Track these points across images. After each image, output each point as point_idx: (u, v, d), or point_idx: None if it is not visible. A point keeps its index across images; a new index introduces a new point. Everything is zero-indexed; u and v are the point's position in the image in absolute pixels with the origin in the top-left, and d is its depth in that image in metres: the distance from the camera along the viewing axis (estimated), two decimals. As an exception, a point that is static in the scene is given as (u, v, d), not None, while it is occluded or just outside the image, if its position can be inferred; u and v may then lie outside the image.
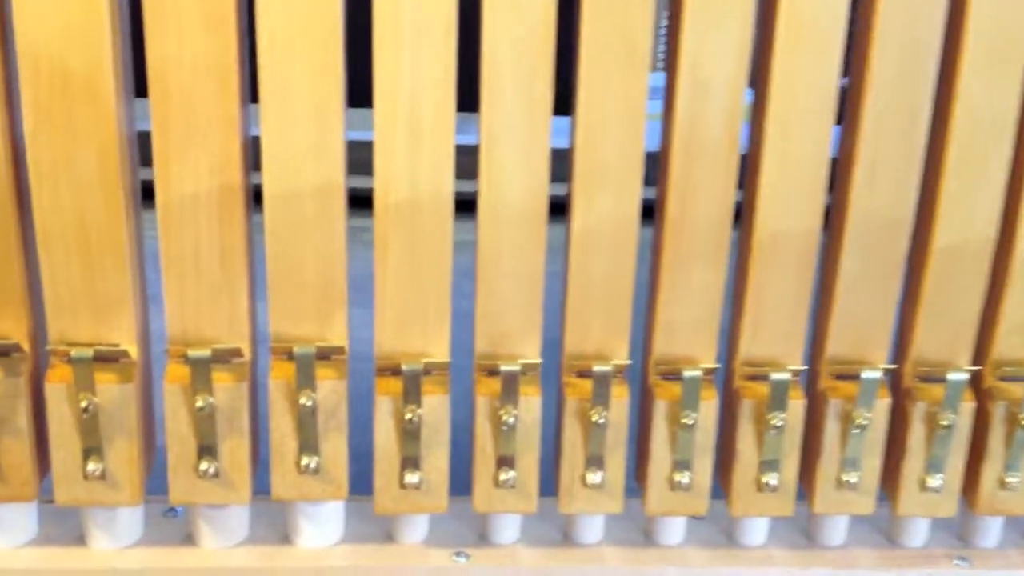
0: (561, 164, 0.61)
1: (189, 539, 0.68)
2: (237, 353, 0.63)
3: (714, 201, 0.62)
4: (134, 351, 0.62)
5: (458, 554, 0.68)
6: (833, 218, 0.64)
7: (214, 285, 0.62)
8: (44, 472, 0.65)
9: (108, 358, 0.62)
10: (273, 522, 0.70)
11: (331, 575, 0.67)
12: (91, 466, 0.62)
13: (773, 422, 0.64)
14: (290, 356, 0.63)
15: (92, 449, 0.62)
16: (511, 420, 0.64)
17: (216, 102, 0.58)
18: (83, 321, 0.62)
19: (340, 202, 0.61)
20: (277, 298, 0.62)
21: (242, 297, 0.62)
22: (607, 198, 0.61)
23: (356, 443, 0.65)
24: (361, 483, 0.68)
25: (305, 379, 0.62)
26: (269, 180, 0.60)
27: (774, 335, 0.65)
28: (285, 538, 0.69)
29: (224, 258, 0.61)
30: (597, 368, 0.63)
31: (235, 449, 0.63)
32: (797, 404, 0.65)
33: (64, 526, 0.68)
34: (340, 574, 0.67)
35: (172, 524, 0.69)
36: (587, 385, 0.65)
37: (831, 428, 0.66)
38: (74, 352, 0.61)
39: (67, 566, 0.66)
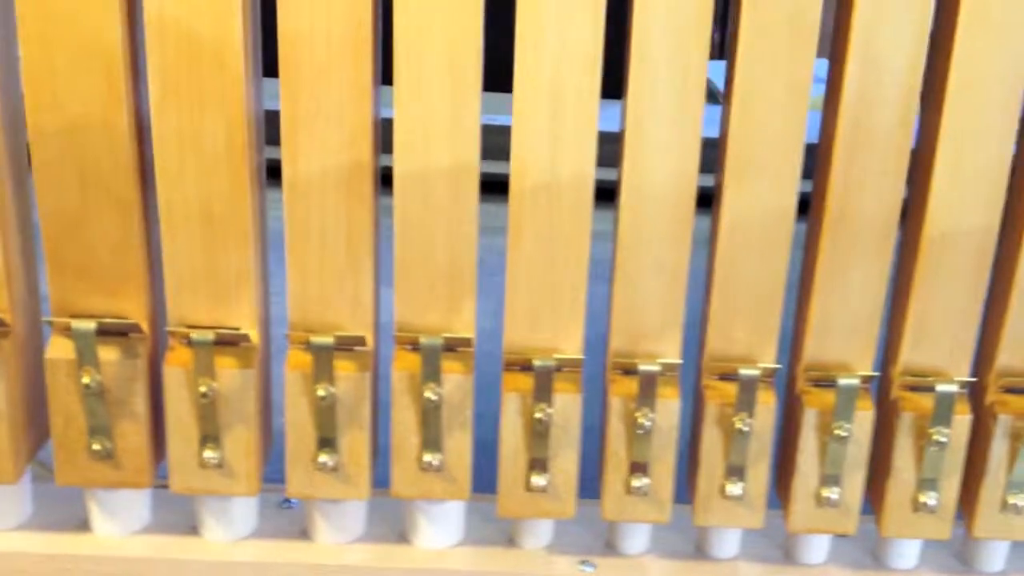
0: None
1: (304, 533, 0.66)
2: (360, 341, 0.60)
3: (881, 195, 0.56)
4: (255, 335, 0.60)
5: (584, 562, 0.64)
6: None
7: (338, 269, 0.59)
8: (160, 458, 0.62)
9: (229, 342, 0.59)
10: (389, 519, 0.67)
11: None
12: (208, 454, 0.60)
13: (936, 438, 0.59)
14: (415, 347, 0.60)
15: (209, 436, 0.60)
16: (647, 423, 0.60)
17: (348, 78, 0.55)
18: (203, 302, 0.59)
19: (473, 185, 0.57)
20: (404, 284, 0.59)
21: (367, 282, 0.59)
22: (761, 189, 0.57)
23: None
24: (478, 481, 0.64)
25: (430, 372, 0.59)
26: (400, 160, 0.56)
27: (940, 342, 0.59)
28: (402, 536, 0.66)
29: (350, 240, 0.58)
30: (743, 372, 0.59)
31: (355, 442, 0.60)
32: (963, 419, 0.59)
33: (177, 514, 0.66)
34: None
35: (287, 516, 0.67)
36: (729, 389, 0.60)
37: (998, 447, 0.60)
38: (194, 335, 0.58)
39: (180, 556, 0.64)
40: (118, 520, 0.64)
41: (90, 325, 0.58)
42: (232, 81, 0.55)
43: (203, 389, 0.59)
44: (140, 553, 0.63)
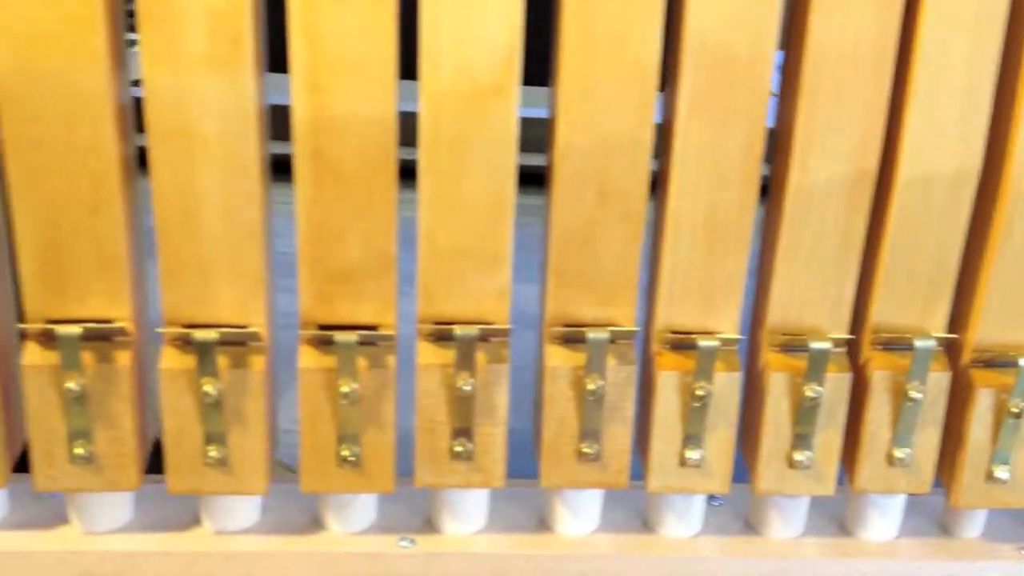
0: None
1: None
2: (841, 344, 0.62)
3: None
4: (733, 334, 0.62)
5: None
6: None
7: (824, 274, 0.61)
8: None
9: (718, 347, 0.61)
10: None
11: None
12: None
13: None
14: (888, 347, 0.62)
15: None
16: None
17: (867, 91, 0.57)
18: (694, 309, 0.61)
19: (971, 191, 0.59)
20: (888, 287, 0.61)
21: (848, 288, 0.61)
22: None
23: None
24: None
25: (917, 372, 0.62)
26: (906, 165, 0.59)
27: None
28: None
29: (841, 246, 0.60)
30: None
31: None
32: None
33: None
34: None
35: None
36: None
37: None
38: (676, 340, 0.61)
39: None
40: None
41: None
42: (759, 97, 0.57)
43: (699, 393, 0.61)
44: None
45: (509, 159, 0.57)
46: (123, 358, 0.59)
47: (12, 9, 0.52)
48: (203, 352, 0.59)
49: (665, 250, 0.60)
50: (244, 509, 0.65)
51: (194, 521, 0.66)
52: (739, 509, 0.70)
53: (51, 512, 0.65)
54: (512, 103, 0.56)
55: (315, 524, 0.66)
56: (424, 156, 0.57)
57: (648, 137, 0.57)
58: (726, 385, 0.61)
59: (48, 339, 0.58)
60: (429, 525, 0.67)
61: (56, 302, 0.58)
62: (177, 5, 0.52)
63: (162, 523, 0.65)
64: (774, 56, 0.56)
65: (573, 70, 0.55)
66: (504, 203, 0.58)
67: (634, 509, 0.69)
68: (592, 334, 0.60)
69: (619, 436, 0.62)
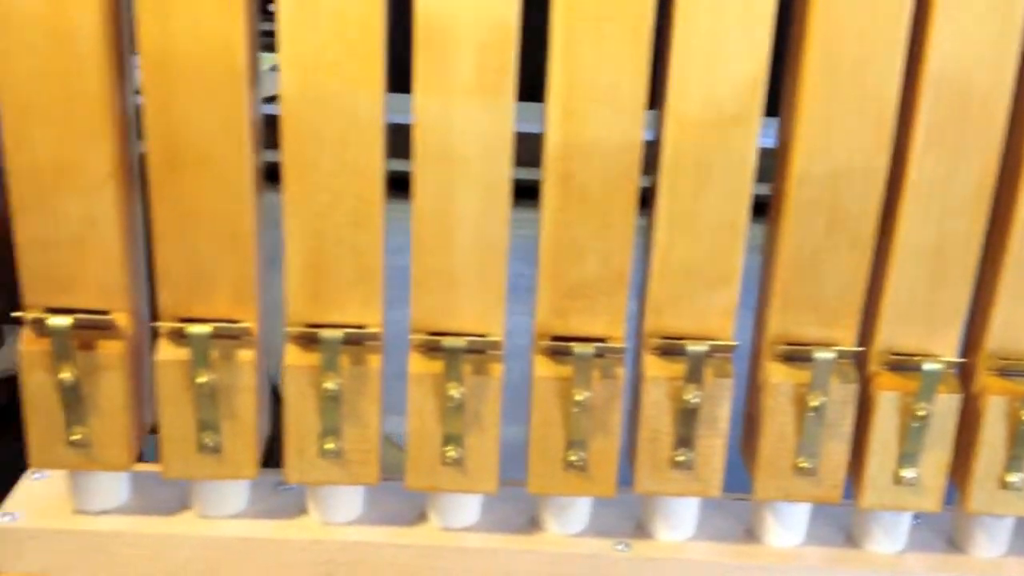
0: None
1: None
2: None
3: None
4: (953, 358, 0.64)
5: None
6: None
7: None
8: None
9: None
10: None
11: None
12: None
13: None
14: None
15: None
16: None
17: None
18: (914, 332, 0.63)
19: None
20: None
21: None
22: None
23: None
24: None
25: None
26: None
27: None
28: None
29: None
30: None
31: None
32: None
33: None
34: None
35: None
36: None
37: None
38: (896, 361, 0.63)
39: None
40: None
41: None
42: (995, 128, 0.58)
43: (920, 413, 0.63)
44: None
45: (746, 184, 0.60)
46: (374, 361, 0.63)
47: (302, 39, 0.57)
48: (450, 358, 0.63)
49: (890, 275, 0.62)
50: (469, 507, 0.69)
51: (421, 517, 0.70)
52: (939, 527, 0.71)
53: (291, 503, 0.70)
54: (754, 132, 0.59)
55: (533, 524, 0.70)
56: (665, 178, 0.60)
57: (883, 166, 0.59)
58: (947, 407, 0.63)
59: (310, 342, 0.63)
60: (641, 530, 0.70)
61: (317, 308, 0.63)
62: (451, 38, 0.57)
63: (392, 517, 0.70)
64: (1012, 88, 0.58)
65: (814, 101, 0.58)
66: (738, 225, 0.61)
67: (838, 524, 0.71)
68: (819, 354, 0.62)
69: (836, 452, 0.65)
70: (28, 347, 0.62)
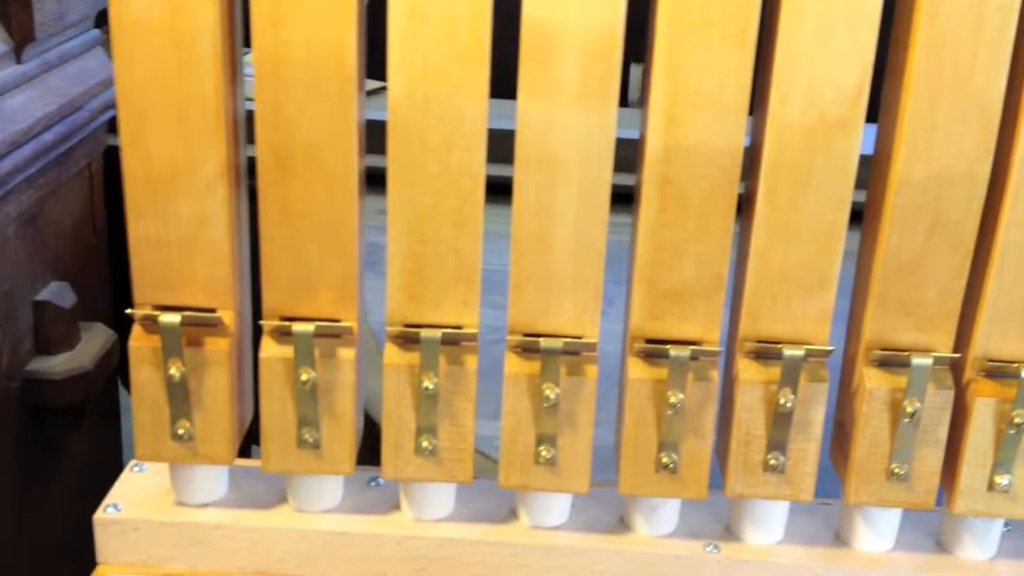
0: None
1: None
2: None
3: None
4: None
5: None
6: None
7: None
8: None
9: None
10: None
11: None
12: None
13: None
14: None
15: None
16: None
17: None
18: (1012, 339, 0.63)
19: None
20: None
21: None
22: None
23: None
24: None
25: None
26: None
27: None
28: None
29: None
30: None
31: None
32: None
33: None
34: None
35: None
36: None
37: None
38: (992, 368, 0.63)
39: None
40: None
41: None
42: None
43: (1017, 421, 0.63)
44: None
45: (847, 190, 0.60)
46: (471, 361, 0.64)
47: (411, 45, 0.58)
48: (546, 359, 0.64)
49: (989, 280, 0.62)
50: (559, 506, 0.70)
51: (511, 515, 0.71)
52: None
53: (383, 499, 0.71)
54: (856, 137, 0.59)
55: (621, 525, 0.71)
56: (764, 183, 0.61)
57: (986, 171, 0.59)
58: (1045, 414, 0.63)
59: (408, 341, 0.64)
60: (729, 533, 0.71)
61: (416, 308, 0.64)
62: (558, 45, 0.57)
63: (483, 515, 0.71)
64: None
65: (919, 106, 0.58)
66: (837, 230, 0.61)
67: (927, 529, 0.71)
68: (917, 359, 0.62)
69: (930, 458, 0.65)
70: (138, 343, 0.63)
